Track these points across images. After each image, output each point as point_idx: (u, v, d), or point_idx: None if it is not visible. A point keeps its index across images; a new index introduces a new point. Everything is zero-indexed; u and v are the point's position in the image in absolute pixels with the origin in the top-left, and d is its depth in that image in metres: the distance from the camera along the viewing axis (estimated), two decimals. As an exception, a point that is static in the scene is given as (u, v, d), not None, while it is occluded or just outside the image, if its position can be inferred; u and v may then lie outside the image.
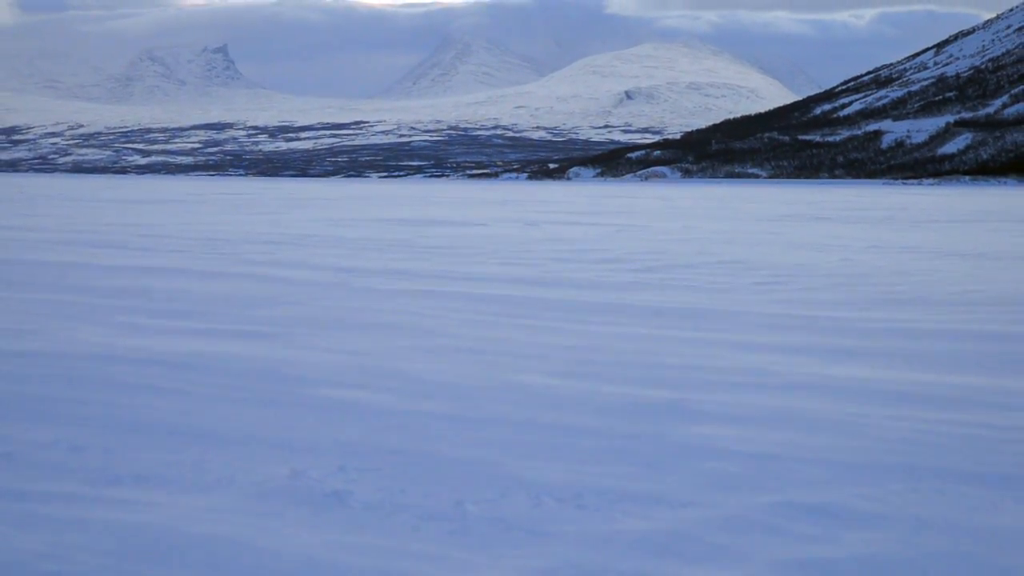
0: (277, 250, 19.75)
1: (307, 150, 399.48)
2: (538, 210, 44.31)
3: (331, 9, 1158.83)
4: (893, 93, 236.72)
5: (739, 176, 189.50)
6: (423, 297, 12.51)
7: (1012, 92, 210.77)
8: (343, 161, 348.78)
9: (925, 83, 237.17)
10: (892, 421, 6.62)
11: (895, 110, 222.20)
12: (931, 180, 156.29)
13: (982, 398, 7.30)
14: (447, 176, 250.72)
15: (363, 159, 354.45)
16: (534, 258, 18.50)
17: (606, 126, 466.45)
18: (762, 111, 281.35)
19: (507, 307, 11.67)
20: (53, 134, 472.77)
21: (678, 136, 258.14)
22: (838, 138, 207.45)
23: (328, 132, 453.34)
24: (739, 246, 22.14)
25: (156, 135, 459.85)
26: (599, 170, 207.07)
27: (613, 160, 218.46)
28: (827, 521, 4.83)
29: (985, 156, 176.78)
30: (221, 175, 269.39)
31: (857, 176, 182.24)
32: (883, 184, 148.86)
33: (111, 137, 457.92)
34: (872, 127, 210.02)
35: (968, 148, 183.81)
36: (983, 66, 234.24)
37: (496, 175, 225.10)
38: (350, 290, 13.27)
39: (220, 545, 4.48)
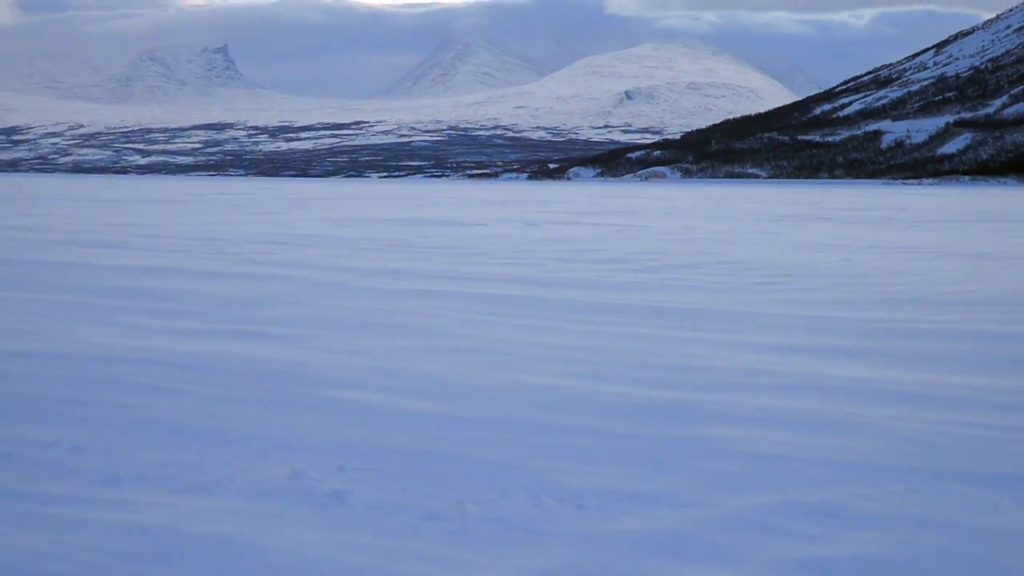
0: (277, 250, 19.75)
1: (307, 150, 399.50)
2: (538, 210, 44.31)
3: (331, 9, 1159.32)
4: (893, 93, 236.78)
5: (739, 176, 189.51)
6: (423, 297, 12.50)
7: (1012, 92, 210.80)
8: (343, 161, 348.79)
9: (925, 83, 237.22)
10: (892, 421, 6.62)
11: (895, 110, 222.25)
12: (931, 180, 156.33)
13: (982, 398, 7.30)
14: (447, 176, 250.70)
15: (363, 159, 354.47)
16: (534, 258, 18.49)
17: (606, 126, 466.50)
18: (762, 111, 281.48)
19: (507, 307, 11.67)
20: (53, 134, 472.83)
21: (678, 136, 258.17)
22: (838, 138, 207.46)
23: (328, 132, 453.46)
24: (739, 246, 22.15)
25: (156, 135, 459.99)
26: (599, 170, 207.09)
27: (613, 160, 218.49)
28: (827, 521, 4.83)
29: (985, 156, 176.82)
30: (221, 175, 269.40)
31: (857, 176, 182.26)
32: (883, 184, 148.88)
33: (111, 137, 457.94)
34: (872, 127, 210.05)
35: (968, 148, 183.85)
36: (983, 66, 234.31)
37: (496, 175, 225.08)
38: (350, 290, 13.27)
39: (220, 545, 4.48)
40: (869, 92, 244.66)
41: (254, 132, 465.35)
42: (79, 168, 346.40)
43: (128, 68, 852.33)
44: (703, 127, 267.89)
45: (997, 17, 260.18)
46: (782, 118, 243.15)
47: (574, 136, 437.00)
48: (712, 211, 44.90)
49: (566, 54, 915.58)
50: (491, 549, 4.48)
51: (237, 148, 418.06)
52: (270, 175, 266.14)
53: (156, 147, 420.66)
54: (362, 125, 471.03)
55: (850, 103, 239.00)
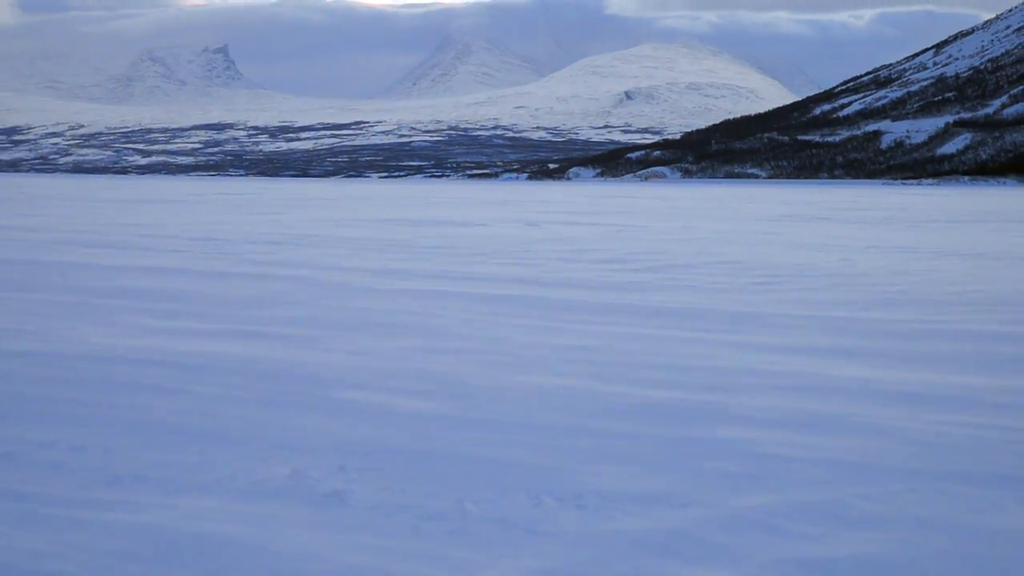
0: (277, 250, 19.75)
1: (307, 150, 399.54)
2: (538, 210, 44.30)
3: (331, 9, 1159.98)
4: (892, 93, 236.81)
5: (739, 176, 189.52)
6: (423, 297, 12.50)
7: (1011, 92, 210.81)
8: (343, 161, 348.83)
9: (924, 83, 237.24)
10: (892, 421, 6.62)
11: (894, 110, 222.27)
12: (930, 180, 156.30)
13: (982, 398, 7.30)
14: (447, 176, 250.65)
15: (363, 159, 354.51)
16: (534, 258, 18.49)
17: (606, 126, 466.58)
18: (762, 111, 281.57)
19: (507, 307, 11.67)
20: (54, 134, 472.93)
21: (678, 136, 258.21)
22: (837, 138, 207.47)
23: (328, 132, 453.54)
24: (739, 246, 22.14)
25: (156, 135, 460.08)
26: (599, 170, 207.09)
27: (613, 160, 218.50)
28: (827, 521, 4.83)
29: (984, 156, 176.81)
30: (221, 175, 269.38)
31: (856, 176, 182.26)
32: (882, 184, 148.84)
33: (112, 137, 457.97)
34: (871, 127, 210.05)
35: (967, 148, 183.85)
36: (982, 66, 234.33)
37: (496, 175, 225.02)
38: (350, 290, 13.26)
39: (220, 545, 4.48)
40: (869, 92, 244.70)
41: (254, 132, 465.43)
42: (79, 168, 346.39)
43: (128, 68, 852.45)
44: (703, 127, 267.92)
45: (997, 17, 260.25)
46: (782, 118, 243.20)
47: (574, 136, 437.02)
48: (712, 211, 44.89)
49: (566, 54, 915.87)
50: (491, 549, 4.48)
51: (237, 148, 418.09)
52: (270, 175, 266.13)
53: (156, 147, 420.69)
54: (362, 125, 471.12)
55: (850, 103, 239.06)
